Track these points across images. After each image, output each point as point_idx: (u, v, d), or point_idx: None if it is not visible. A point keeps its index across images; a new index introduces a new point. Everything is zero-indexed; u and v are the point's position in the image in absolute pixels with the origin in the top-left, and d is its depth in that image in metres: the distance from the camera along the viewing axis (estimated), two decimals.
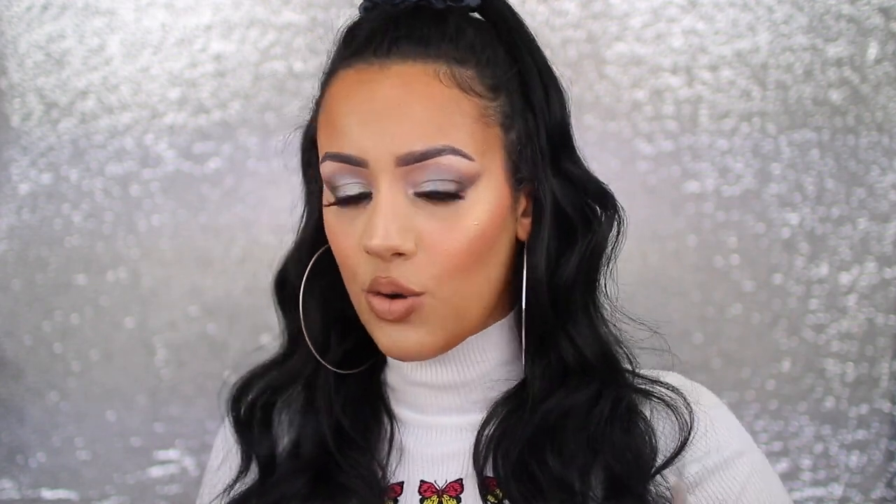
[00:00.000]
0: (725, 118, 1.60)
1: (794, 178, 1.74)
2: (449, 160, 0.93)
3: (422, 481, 1.01)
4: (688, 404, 0.98)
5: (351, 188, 0.96)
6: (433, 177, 0.93)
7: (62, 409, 1.73)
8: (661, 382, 1.00)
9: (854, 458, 1.76)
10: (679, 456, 0.97)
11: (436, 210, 0.94)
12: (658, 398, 0.99)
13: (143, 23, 1.70)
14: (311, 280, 1.04)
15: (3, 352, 1.74)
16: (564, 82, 1.04)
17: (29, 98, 1.69)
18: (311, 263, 1.04)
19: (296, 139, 1.06)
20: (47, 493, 1.75)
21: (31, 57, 1.69)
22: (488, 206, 0.95)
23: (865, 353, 1.72)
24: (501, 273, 0.98)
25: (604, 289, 1.01)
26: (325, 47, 1.66)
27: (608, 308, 1.01)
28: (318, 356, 1.03)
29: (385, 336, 0.96)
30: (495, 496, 0.96)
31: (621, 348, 1.01)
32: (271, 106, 1.70)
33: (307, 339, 1.03)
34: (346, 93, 0.96)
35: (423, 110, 0.93)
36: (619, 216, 1.01)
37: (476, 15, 1.02)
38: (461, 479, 0.99)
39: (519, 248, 0.99)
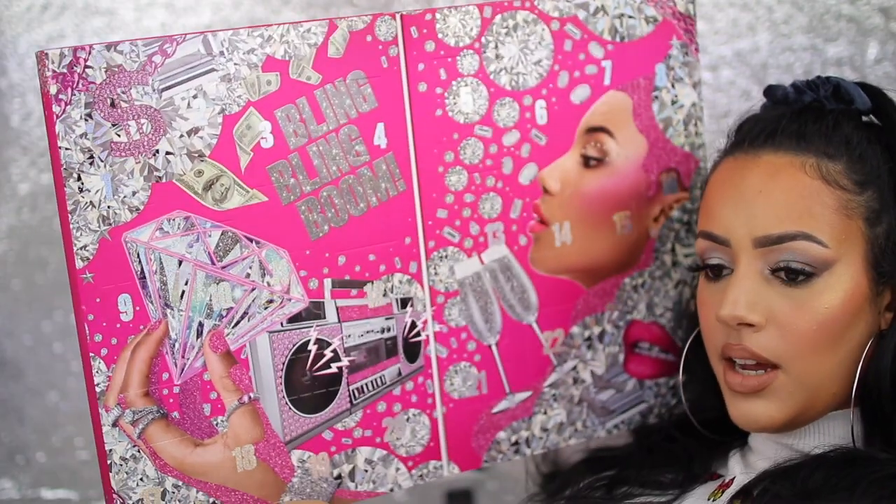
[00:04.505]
0: (725, 118, 1.60)
1: None
2: (803, 245, 1.01)
3: (724, 478, 1.12)
4: None
5: (714, 260, 1.06)
6: (787, 258, 1.01)
7: (62, 409, 1.73)
8: None
9: None
10: None
11: (788, 290, 1.02)
12: None
13: (143, 23, 1.70)
14: (697, 348, 1.15)
15: (3, 352, 1.74)
16: None
17: (29, 98, 1.69)
18: (693, 335, 1.16)
19: None
20: (47, 493, 1.75)
21: (31, 57, 1.69)
22: (842, 293, 1.01)
23: None
24: (857, 361, 1.03)
25: None
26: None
27: None
28: (690, 415, 1.16)
29: (735, 407, 1.06)
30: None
31: None
32: None
33: (683, 398, 1.17)
34: (723, 179, 1.07)
35: (783, 198, 1.02)
36: None
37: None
38: (734, 478, 1.09)
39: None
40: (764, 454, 1.08)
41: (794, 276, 1.01)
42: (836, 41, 1.62)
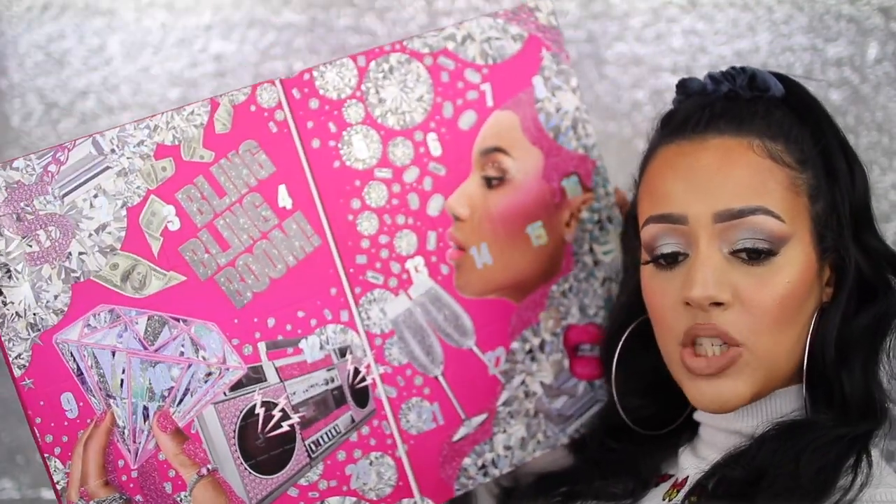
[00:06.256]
0: None
1: None
2: (762, 220, 1.02)
3: (677, 477, 1.12)
4: (862, 487, 0.98)
5: (668, 248, 1.05)
6: (747, 235, 1.02)
7: None
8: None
9: None
10: None
11: (749, 269, 1.03)
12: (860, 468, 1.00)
13: (143, 23, 1.70)
14: (626, 346, 1.16)
15: None
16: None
17: (29, 98, 1.69)
18: (626, 334, 1.16)
19: None
20: (47, 493, 1.75)
21: (31, 57, 1.69)
22: (798, 266, 1.03)
23: None
24: (807, 335, 1.06)
25: (887, 352, 1.08)
26: (326, 47, 1.65)
27: (885, 369, 1.08)
28: (623, 414, 1.16)
29: (697, 390, 1.05)
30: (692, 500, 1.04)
31: (885, 410, 1.06)
32: None
33: (615, 398, 1.16)
34: (670, 164, 1.07)
35: (739, 175, 1.03)
36: None
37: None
38: (688, 477, 1.09)
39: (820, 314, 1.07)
40: (715, 445, 1.09)
41: (755, 255, 1.02)
42: (836, 41, 1.62)
